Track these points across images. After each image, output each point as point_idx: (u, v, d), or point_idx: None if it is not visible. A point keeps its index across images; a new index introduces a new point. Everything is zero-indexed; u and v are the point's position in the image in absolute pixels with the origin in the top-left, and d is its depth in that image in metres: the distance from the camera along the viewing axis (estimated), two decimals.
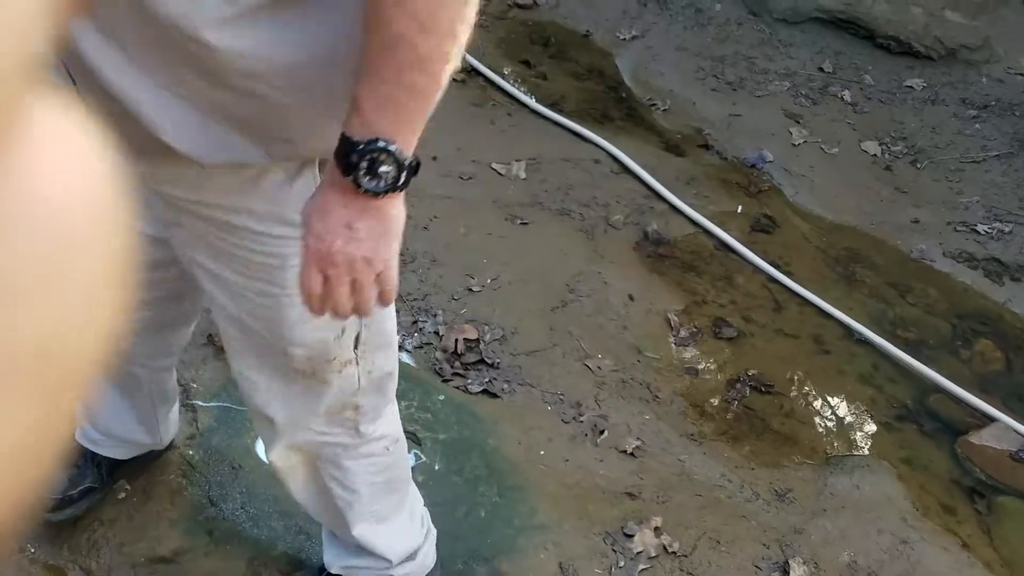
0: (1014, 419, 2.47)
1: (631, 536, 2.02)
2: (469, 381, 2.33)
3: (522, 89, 3.49)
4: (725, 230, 2.97)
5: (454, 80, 3.51)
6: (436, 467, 2.09)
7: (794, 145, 3.53)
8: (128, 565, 1.75)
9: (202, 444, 1.99)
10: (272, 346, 1.17)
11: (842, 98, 3.82)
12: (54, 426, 0.15)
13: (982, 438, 2.44)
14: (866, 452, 2.41)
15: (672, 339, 2.59)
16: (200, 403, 2.08)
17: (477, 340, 2.45)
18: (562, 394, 2.35)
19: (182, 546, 1.80)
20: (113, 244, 0.15)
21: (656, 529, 2.05)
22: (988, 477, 2.36)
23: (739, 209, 3.14)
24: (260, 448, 2.03)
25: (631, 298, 2.68)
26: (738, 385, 2.50)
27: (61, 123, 0.15)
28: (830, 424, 2.48)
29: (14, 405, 0.14)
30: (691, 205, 3.04)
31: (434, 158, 3.06)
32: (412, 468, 2.06)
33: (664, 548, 2.02)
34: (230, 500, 1.89)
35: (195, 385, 2.12)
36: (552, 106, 3.43)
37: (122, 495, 1.87)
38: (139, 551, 1.78)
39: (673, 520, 2.09)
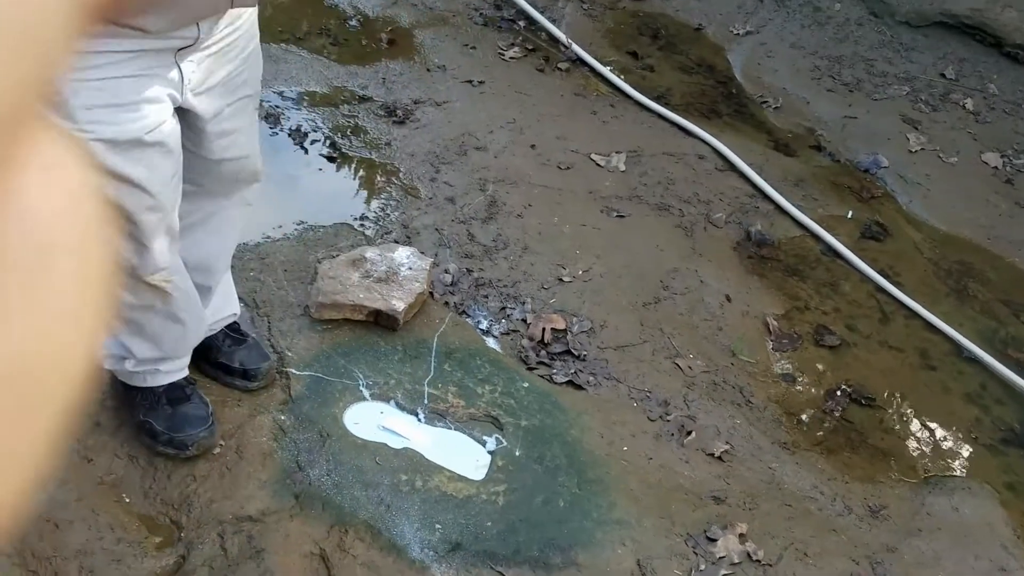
0: None
1: (714, 540, 1.96)
2: (554, 371, 2.31)
3: (628, 80, 3.44)
4: (833, 235, 2.85)
5: (559, 69, 3.50)
6: (516, 453, 2.08)
7: (911, 152, 3.37)
8: (216, 521, 1.81)
9: (293, 410, 2.04)
10: (256, 96, 1.72)
11: (964, 106, 3.63)
12: (34, 442, 0.15)
13: None
14: (968, 474, 2.28)
15: (770, 343, 2.51)
16: (294, 371, 2.12)
17: (565, 330, 2.42)
18: (649, 391, 2.30)
19: (269, 507, 1.84)
20: (94, 264, 0.15)
21: (741, 536, 1.98)
22: None
23: (849, 214, 3.01)
24: (348, 418, 2.06)
25: (728, 299, 2.60)
26: (837, 395, 2.40)
27: (47, 143, 0.15)
28: (931, 442, 2.36)
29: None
30: (798, 207, 2.94)
31: (532, 146, 3.05)
32: (492, 452, 2.06)
33: (748, 555, 1.95)
34: (317, 466, 1.93)
35: (290, 353, 2.16)
36: (658, 99, 3.37)
37: (217, 451, 1.92)
38: (227, 508, 1.83)
39: (759, 528, 2.02)
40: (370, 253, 2.40)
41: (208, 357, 2.04)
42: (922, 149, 3.37)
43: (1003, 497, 2.21)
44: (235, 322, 2.08)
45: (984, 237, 3.04)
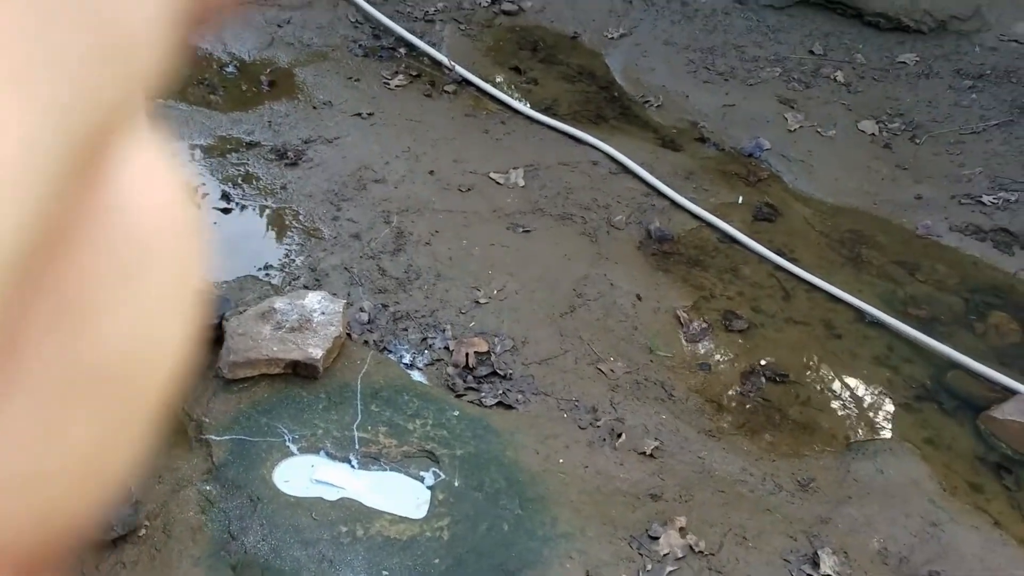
0: None
1: (656, 538, 2.00)
2: (483, 394, 2.32)
3: (514, 96, 3.49)
4: (728, 222, 2.95)
5: (446, 92, 3.51)
6: (456, 483, 2.07)
7: (790, 131, 3.51)
8: None
9: (218, 478, 1.99)
10: None
11: (835, 79, 3.80)
12: (122, 441, 0.15)
13: (1005, 412, 2.41)
14: (887, 435, 2.39)
15: (683, 336, 2.58)
16: (213, 437, 2.07)
17: (488, 352, 2.43)
18: (577, 400, 2.33)
19: None
20: (188, 264, 0.16)
21: (681, 529, 2.03)
22: (1014, 451, 2.33)
23: (740, 200, 3.12)
24: (278, 477, 2.02)
25: (639, 298, 2.66)
26: (753, 377, 2.48)
27: (141, 140, 0.16)
28: (848, 409, 2.46)
29: (83, 417, 0.14)
30: (692, 199, 3.03)
31: (431, 172, 3.06)
32: (431, 487, 2.06)
33: (691, 548, 2.00)
34: (251, 533, 1.89)
35: (206, 420, 2.11)
36: (545, 111, 3.43)
37: (143, 532, 1.86)
38: None
39: (698, 519, 2.07)
40: (279, 303, 2.36)
41: None
42: (800, 127, 3.52)
43: (924, 453, 2.32)
44: None
45: (870, 203, 3.19)
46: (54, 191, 0.13)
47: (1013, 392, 2.46)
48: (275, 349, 2.22)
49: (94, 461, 0.15)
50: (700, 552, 1.99)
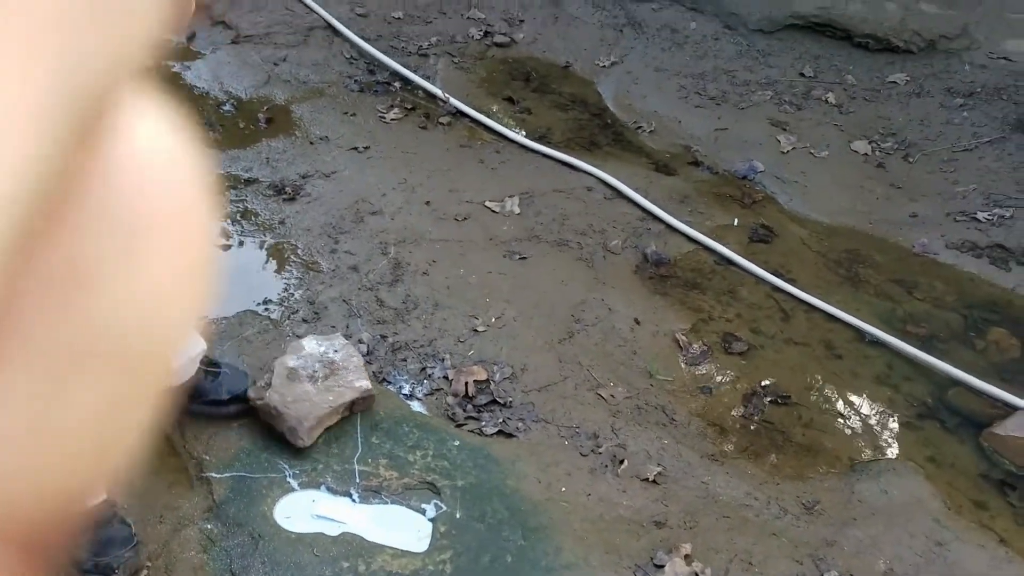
0: None
1: (661, 567, 1.99)
2: (483, 423, 2.31)
3: (509, 125, 3.52)
4: (724, 244, 2.96)
5: (440, 124, 3.55)
6: (457, 515, 2.06)
7: (783, 152, 3.53)
8: None
9: (219, 516, 1.98)
10: None
11: (826, 101, 3.83)
12: (130, 413, 0.15)
13: (1007, 428, 2.40)
14: (890, 455, 2.38)
15: (683, 359, 2.57)
16: (214, 475, 2.06)
17: (487, 381, 2.43)
18: (577, 427, 2.33)
19: None
20: (194, 235, 0.15)
21: (686, 556, 2.02)
22: (1018, 467, 2.32)
23: (735, 222, 3.13)
24: (279, 513, 2.01)
25: (637, 322, 2.67)
26: (754, 399, 2.47)
27: (148, 113, 0.15)
28: (851, 430, 2.45)
29: (88, 386, 0.14)
30: (687, 223, 3.04)
31: (427, 203, 3.07)
32: (433, 519, 2.05)
33: (696, 575, 1.98)
34: (252, 571, 1.87)
35: (207, 457, 2.10)
36: (540, 139, 3.45)
37: (144, 573, 1.85)
38: None
39: (703, 545, 2.05)
40: (291, 362, 2.22)
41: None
42: (793, 148, 3.54)
43: (927, 471, 2.31)
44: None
45: (866, 222, 3.20)
46: (59, 155, 0.12)
47: (1015, 408, 2.45)
48: (331, 399, 2.17)
49: (96, 434, 0.14)
50: None
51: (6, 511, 0.14)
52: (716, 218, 3.14)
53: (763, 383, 2.53)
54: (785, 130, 3.65)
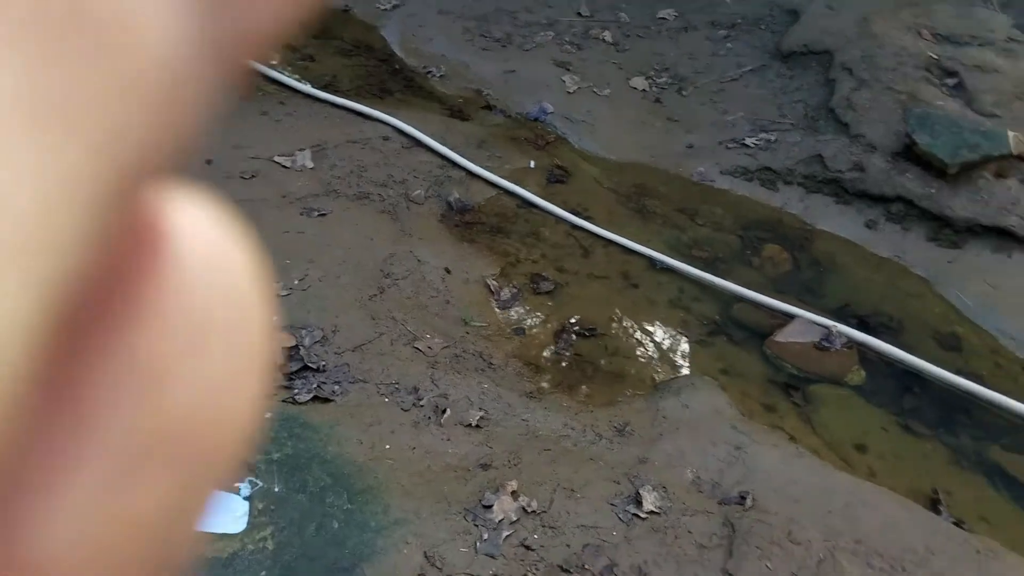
0: (811, 312, 2.71)
1: (490, 507, 2.03)
2: (296, 391, 2.23)
3: (291, 75, 3.33)
4: (523, 187, 3.01)
5: None
6: (276, 489, 1.98)
7: (569, 93, 3.62)
8: None
9: None
10: None
11: (604, 39, 3.96)
12: (185, 512, 0.15)
13: (786, 335, 2.65)
14: (688, 372, 2.56)
15: (495, 304, 2.61)
16: None
17: (296, 346, 2.34)
18: (397, 382, 2.30)
19: None
20: (251, 335, 0.16)
21: (513, 493, 2.07)
22: (799, 370, 2.58)
23: (531, 164, 3.19)
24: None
25: (448, 271, 2.66)
26: (564, 335, 2.56)
27: (200, 214, 0.15)
28: (652, 353, 2.61)
29: (148, 484, 0.14)
30: (487, 168, 3.05)
31: (208, 162, 2.87)
32: (248, 497, 1.96)
33: (524, 509, 2.05)
34: None
35: None
36: (326, 87, 3.31)
37: None
38: None
39: (527, 479, 2.11)
40: None
41: None
42: (578, 88, 3.64)
43: (721, 382, 2.51)
44: None
45: (649, 156, 3.37)
46: (92, 243, 0.12)
47: (791, 316, 2.71)
48: None
49: (163, 530, 0.15)
50: (533, 512, 2.04)
51: None
52: (514, 161, 3.18)
53: (571, 319, 2.62)
54: (569, 70, 3.73)
